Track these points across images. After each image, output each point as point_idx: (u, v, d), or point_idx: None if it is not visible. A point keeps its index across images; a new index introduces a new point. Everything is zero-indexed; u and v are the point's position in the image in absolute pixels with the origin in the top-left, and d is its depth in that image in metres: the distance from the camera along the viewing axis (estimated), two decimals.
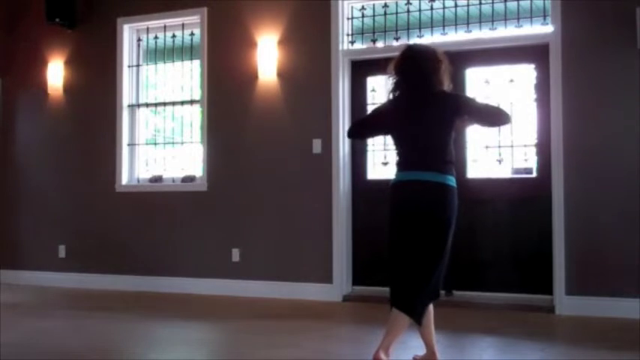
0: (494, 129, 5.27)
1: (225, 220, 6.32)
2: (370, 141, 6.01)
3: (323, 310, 5.49)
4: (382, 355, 3.17)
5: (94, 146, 6.91)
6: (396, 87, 3.48)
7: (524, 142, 5.58)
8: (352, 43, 6.08)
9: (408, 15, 5.91)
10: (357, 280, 6.00)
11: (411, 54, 3.52)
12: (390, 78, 3.51)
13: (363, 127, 3.88)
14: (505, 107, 3.54)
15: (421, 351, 3.64)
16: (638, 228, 4.99)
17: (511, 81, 5.59)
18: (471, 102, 3.53)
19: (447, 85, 3.45)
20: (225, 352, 4.26)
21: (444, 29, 5.81)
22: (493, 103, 3.99)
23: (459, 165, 5.05)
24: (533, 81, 5.53)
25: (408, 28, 5.90)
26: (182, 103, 6.78)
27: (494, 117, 3.48)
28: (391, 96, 3.50)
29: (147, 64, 6.99)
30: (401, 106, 3.45)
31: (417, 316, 3.31)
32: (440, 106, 3.39)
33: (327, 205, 5.92)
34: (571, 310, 5.13)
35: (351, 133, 3.94)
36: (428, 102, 3.39)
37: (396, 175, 3.45)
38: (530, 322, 4.94)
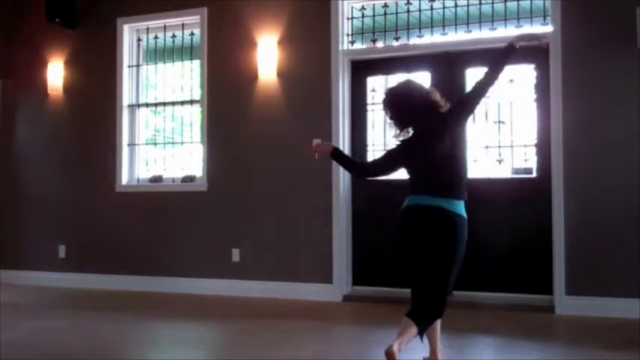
0: (495, 129, 5.31)
1: (225, 220, 6.32)
2: (370, 141, 6.01)
3: (323, 310, 5.49)
4: (395, 347, 3.16)
5: (94, 146, 6.92)
6: (398, 129, 3.50)
7: (524, 142, 5.57)
8: (352, 43, 6.08)
9: (408, 15, 5.91)
10: (357, 280, 6.00)
11: (396, 96, 3.50)
12: (390, 126, 3.53)
13: (374, 169, 3.75)
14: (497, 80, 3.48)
15: (420, 352, 3.64)
16: (638, 228, 5.00)
17: (511, 81, 5.58)
18: (460, 103, 3.48)
19: (440, 100, 3.45)
20: (225, 352, 4.26)
21: (444, 29, 5.81)
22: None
23: None
24: (533, 81, 5.53)
25: (408, 28, 5.90)
26: (182, 103, 6.78)
27: (486, 85, 3.43)
28: (397, 140, 3.51)
29: (147, 64, 6.99)
30: (410, 144, 3.45)
31: (421, 331, 3.32)
32: (442, 128, 3.36)
33: (327, 205, 5.92)
34: (571, 310, 5.13)
35: (361, 175, 3.81)
36: (431, 130, 3.38)
37: (408, 199, 3.42)
38: (530, 322, 4.94)
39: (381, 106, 3.61)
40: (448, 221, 3.31)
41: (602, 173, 5.14)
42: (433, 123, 3.38)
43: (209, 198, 6.40)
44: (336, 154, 3.70)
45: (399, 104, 3.46)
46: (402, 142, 3.49)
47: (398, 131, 3.49)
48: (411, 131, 3.47)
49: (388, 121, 3.55)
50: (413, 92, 3.48)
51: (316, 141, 3.73)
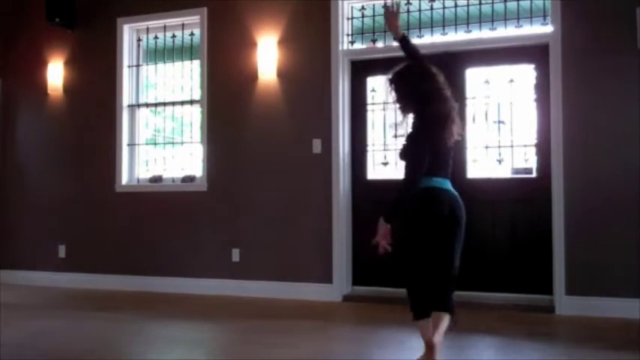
0: (495, 129, 5.38)
1: (225, 220, 6.32)
2: (370, 141, 6.02)
3: (323, 310, 5.49)
4: (436, 337, 3.26)
5: (94, 146, 6.92)
6: (405, 111, 3.47)
7: (524, 142, 5.57)
8: (352, 43, 6.08)
9: (408, 15, 5.91)
10: (357, 280, 6.00)
11: (409, 74, 3.52)
12: (401, 114, 3.48)
13: (416, 169, 3.38)
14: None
15: (420, 352, 3.64)
16: (638, 228, 5.00)
17: (511, 81, 5.59)
18: None
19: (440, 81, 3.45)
20: (226, 352, 4.26)
21: (444, 29, 5.81)
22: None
23: (459, 165, 5.09)
24: (533, 81, 5.53)
25: (408, 28, 5.89)
26: (182, 103, 6.78)
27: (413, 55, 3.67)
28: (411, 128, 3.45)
29: (147, 64, 6.99)
30: (431, 124, 3.38)
31: (454, 314, 3.40)
32: (454, 112, 3.41)
33: (327, 205, 5.92)
34: (571, 310, 5.13)
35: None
36: (449, 113, 3.38)
37: (429, 180, 3.34)
38: (530, 322, 4.94)
39: (387, 86, 3.53)
40: (462, 205, 3.40)
41: (602, 173, 5.14)
42: (449, 105, 3.38)
43: (209, 198, 6.40)
44: (390, 216, 3.51)
45: (411, 83, 3.42)
46: (423, 123, 3.35)
47: (402, 117, 3.44)
48: (411, 117, 3.41)
49: (396, 103, 3.47)
50: (426, 72, 3.47)
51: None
